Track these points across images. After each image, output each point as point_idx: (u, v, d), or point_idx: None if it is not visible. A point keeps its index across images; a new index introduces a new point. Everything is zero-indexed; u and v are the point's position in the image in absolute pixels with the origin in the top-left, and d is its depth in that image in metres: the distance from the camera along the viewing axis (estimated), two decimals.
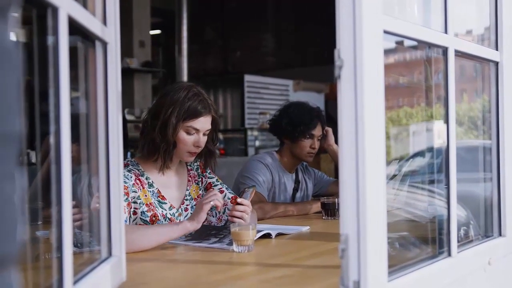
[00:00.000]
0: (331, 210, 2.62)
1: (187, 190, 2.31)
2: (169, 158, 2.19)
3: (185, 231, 1.96)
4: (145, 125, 2.19)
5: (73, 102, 1.07)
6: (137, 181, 2.13)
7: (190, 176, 2.35)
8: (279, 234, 2.14)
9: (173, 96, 2.14)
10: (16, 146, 0.57)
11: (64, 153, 0.99)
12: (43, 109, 1.01)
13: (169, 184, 2.25)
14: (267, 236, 2.07)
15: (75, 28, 1.08)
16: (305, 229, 2.31)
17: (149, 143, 2.17)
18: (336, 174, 5.44)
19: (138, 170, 2.18)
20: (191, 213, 2.25)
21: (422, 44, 1.58)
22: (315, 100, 6.38)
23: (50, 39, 0.99)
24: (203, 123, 2.17)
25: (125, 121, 5.38)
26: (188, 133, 2.16)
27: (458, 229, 1.56)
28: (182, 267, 1.71)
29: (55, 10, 0.97)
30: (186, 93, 2.15)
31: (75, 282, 1.06)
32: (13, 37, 0.58)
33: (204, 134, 2.19)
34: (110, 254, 1.34)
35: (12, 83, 0.55)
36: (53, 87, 0.98)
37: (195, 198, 2.32)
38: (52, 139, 0.99)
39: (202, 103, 2.17)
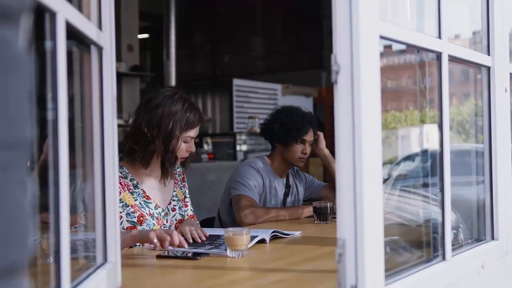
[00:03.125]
0: (323, 215, 2.62)
1: (174, 191, 2.39)
2: (172, 168, 2.30)
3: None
4: (139, 134, 2.20)
5: (68, 106, 1.06)
6: (118, 184, 2.16)
7: (176, 179, 2.43)
8: (273, 237, 2.14)
9: (170, 108, 2.21)
10: (27, 153, 0.57)
11: (62, 158, 0.98)
12: (39, 114, 1.00)
13: (155, 185, 2.32)
14: (261, 241, 2.07)
15: (70, 32, 1.08)
16: (298, 233, 2.31)
17: (150, 155, 2.23)
18: (325, 178, 5.45)
19: (121, 173, 2.23)
20: (179, 213, 2.37)
21: (410, 48, 1.59)
22: (304, 104, 6.38)
23: (47, 44, 0.98)
24: (197, 130, 2.30)
25: None
26: (185, 141, 2.26)
27: None
28: (177, 273, 1.71)
29: (53, 15, 0.96)
30: (182, 104, 2.24)
31: None
32: (24, 43, 0.58)
33: (194, 140, 2.31)
34: (105, 260, 1.33)
35: (24, 90, 0.54)
36: (51, 92, 0.97)
37: (181, 200, 2.41)
38: (50, 144, 0.98)
39: (198, 113, 2.28)
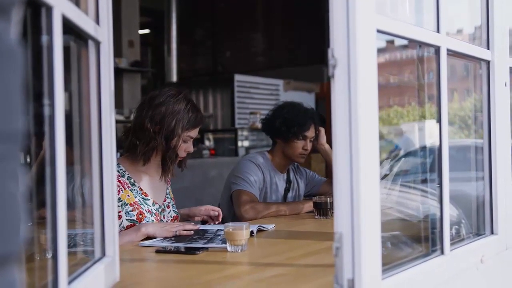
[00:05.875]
0: (323, 210, 2.62)
1: (167, 189, 2.43)
2: (173, 165, 2.32)
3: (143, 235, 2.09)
4: (142, 130, 2.22)
5: (65, 102, 1.06)
6: (118, 182, 2.16)
7: (169, 177, 2.46)
8: (259, 230, 2.19)
9: (174, 106, 2.24)
10: (19, 145, 0.57)
11: (59, 153, 0.98)
12: (35, 110, 1.00)
13: (151, 183, 2.34)
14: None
15: (67, 27, 1.08)
16: (271, 227, 2.33)
17: (150, 151, 2.25)
18: (327, 174, 5.45)
19: (118, 171, 2.23)
20: (173, 210, 2.40)
21: (412, 43, 1.59)
22: (306, 99, 6.38)
23: (43, 38, 0.98)
24: (197, 131, 2.33)
25: None
26: (185, 141, 2.28)
27: (450, 228, 1.57)
28: (175, 268, 1.71)
29: (49, 9, 0.96)
30: (185, 104, 2.27)
31: (70, 282, 1.06)
32: (15, 36, 0.58)
33: (193, 139, 2.33)
34: (103, 254, 1.34)
35: (16, 82, 0.55)
36: (47, 87, 0.97)
37: (172, 198, 2.44)
38: (46, 140, 0.98)
39: (200, 113, 2.31)
